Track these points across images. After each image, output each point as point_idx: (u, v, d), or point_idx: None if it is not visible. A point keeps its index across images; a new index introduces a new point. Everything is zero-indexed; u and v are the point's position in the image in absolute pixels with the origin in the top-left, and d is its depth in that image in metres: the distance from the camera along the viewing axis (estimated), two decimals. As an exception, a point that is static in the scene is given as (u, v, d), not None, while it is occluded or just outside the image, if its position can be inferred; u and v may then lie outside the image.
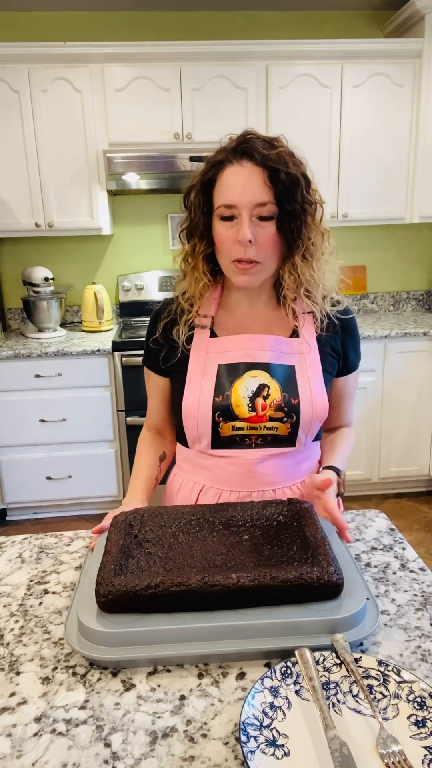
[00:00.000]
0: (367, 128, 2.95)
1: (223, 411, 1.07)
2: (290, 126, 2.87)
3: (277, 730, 0.65)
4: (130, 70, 2.78)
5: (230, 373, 1.08)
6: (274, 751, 0.62)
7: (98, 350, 2.78)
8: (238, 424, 1.07)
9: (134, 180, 2.88)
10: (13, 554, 1.05)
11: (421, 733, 0.64)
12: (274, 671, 0.71)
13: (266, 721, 0.65)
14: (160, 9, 3.06)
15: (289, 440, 1.10)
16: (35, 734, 0.67)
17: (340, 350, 1.14)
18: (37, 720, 0.69)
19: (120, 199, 3.27)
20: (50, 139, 2.83)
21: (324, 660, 0.73)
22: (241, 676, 0.74)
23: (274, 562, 0.86)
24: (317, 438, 1.19)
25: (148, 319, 1.20)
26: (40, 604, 0.90)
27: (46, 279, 3.05)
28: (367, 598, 0.82)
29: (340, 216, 3.04)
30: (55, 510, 3.05)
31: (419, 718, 0.66)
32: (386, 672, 0.71)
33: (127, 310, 3.33)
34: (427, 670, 0.74)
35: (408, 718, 0.66)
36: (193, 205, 1.04)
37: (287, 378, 1.08)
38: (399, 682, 0.70)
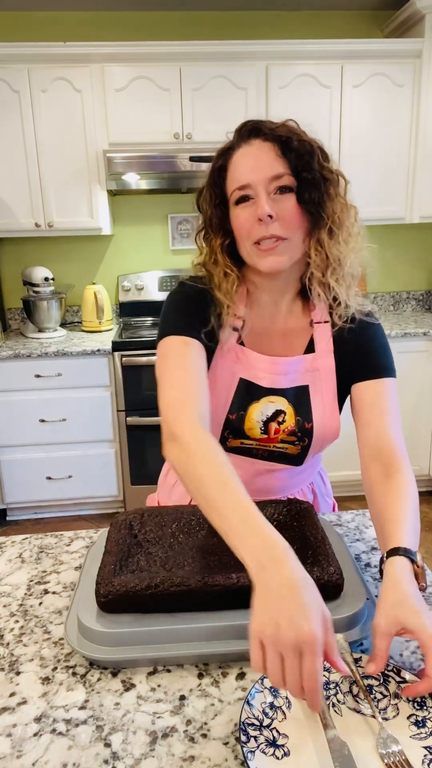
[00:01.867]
0: (367, 128, 2.95)
1: (233, 430, 1.03)
2: (290, 126, 2.87)
3: (277, 730, 0.65)
4: (130, 70, 2.78)
5: (249, 392, 1.02)
6: (274, 751, 0.62)
7: (98, 350, 2.78)
8: (247, 441, 1.05)
9: (134, 180, 2.88)
10: (13, 554, 1.05)
11: (421, 733, 0.64)
12: None
13: (266, 721, 0.65)
14: (160, 9, 3.06)
15: (296, 459, 1.08)
16: (35, 734, 0.67)
17: (361, 355, 1.02)
18: (37, 720, 0.69)
19: (120, 199, 3.27)
20: (50, 139, 2.83)
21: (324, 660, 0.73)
22: (241, 676, 0.74)
23: (274, 562, 0.85)
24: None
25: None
26: (40, 604, 0.90)
27: (46, 279, 3.05)
28: (367, 598, 0.82)
29: (340, 216, 3.03)
30: (55, 510, 3.05)
31: (419, 718, 0.66)
32: (386, 672, 0.71)
33: (127, 310, 3.33)
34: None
35: (408, 718, 0.66)
36: (206, 200, 0.99)
37: (301, 400, 1.03)
38: (399, 682, 0.70)
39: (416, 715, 0.66)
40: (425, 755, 0.61)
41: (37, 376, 2.80)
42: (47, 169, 2.87)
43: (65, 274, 3.33)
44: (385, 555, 0.76)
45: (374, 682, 0.71)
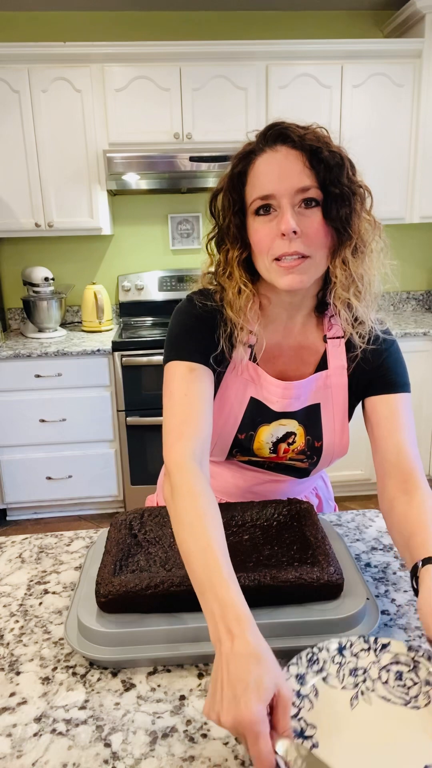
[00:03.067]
0: (367, 128, 2.95)
1: (242, 449, 1.02)
2: (290, 126, 2.88)
3: (305, 721, 0.62)
4: (130, 70, 2.78)
5: (259, 413, 0.99)
6: (303, 743, 0.59)
7: (98, 350, 2.78)
8: (255, 458, 1.05)
9: (134, 180, 2.88)
10: (13, 554, 1.05)
11: None
12: (300, 658, 0.67)
13: (293, 711, 0.61)
14: (160, 9, 3.06)
15: (303, 472, 1.08)
16: (35, 734, 0.67)
17: (376, 370, 1.00)
18: (37, 720, 0.69)
19: (120, 199, 3.27)
20: (50, 139, 2.83)
21: (351, 645, 0.69)
22: (241, 676, 0.74)
23: (274, 562, 0.86)
24: None
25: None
26: (40, 604, 0.90)
27: (46, 279, 3.05)
28: (367, 598, 0.82)
29: (340, 216, 3.03)
30: (55, 510, 3.05)
31: None
32: (417, 658, 0.68)
33: (127, 310, 3.33)
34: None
35: None
36: (222, 206, 0.91)
37: (312, 418, 1.00)
38: (431, 669, 0.66)
39: None
40: None
41: (37, 376, 2.80)
42: (47, 169, 2.87)
43: (65, 274, 3.33)
44: (420, 563, 0.74)
45: (404, 669, 0.67)
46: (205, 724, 0.67)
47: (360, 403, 1.03)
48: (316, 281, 0.93)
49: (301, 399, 0.99)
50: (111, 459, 2.93)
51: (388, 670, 0.67)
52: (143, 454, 2.87)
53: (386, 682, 0.67)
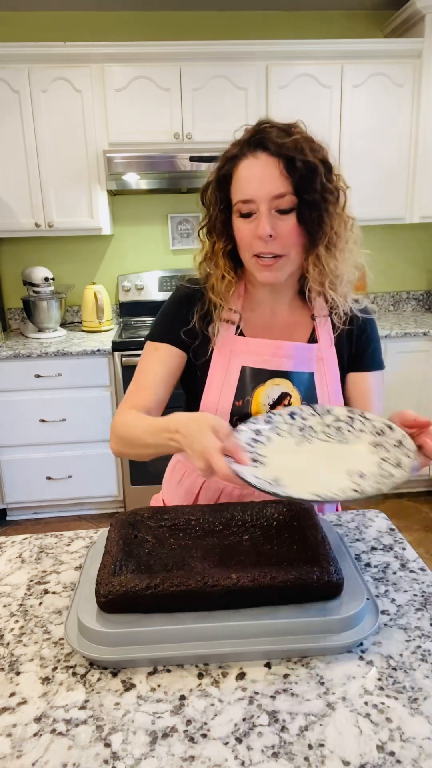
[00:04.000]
0: (367, 128, 2.95)
1: (241, 416, 1.05)
2: (290, 126, 2.87)
3: (258, 453, 0.83)
4: (130, 70, 2.78)
5: (253, 377, 1.06)
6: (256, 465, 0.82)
7: (98, 350, 2.78)
8: None
9: (134, 180, 2.88)
10: (13, 554, 1.05)
11: (379, 451, 0.85)
12: (257, 419, 0.93)
13: (249, 450, 0.82)
14: (160, 9, 3.06)
15: None
16: (35, 734, 0.67)
17: (356, 349, 1.11)
18: (37, 720, 0.69)
19: (120, 199, 3.26)
20: (50, 139, 2.83)
21: (302, 411, 0.92)
22: (241, 676, 0.74)
23: (274, 562, 0.86)
24: None
25: (151, 318, 1.18)
26: (40, 604, 0.90)
27: (46, 279, 3.05)
28: (367, 598, 0.82)
29: (340, 216, 3.03)
30: (55, 510, 3.05)
31: (377, 442, 0.86)
32: (352, 415, 0.90)
33: (127, 310, 3.33)
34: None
35: (369, 443, 0.85)
36: (210, 202, 1.01)
37: (307, 386, 1.06)
38: (363, 420, 0.89)
39: (375, 441, 0.87)
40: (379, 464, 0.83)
41: (37, 376, 2.80)
42: (47, 169, 2.87)
43: (65, 274, 3.33)
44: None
45: (342, 424, 0.91)
46: (205, 724, 0.67)
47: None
48: (295, 271, 1.04)
49: (293, 361, 1.06)
50: (111, 459, 2.93)
51: (329, 426, 0.90)
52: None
53: (327, 432, 0.90)
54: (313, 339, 1.09)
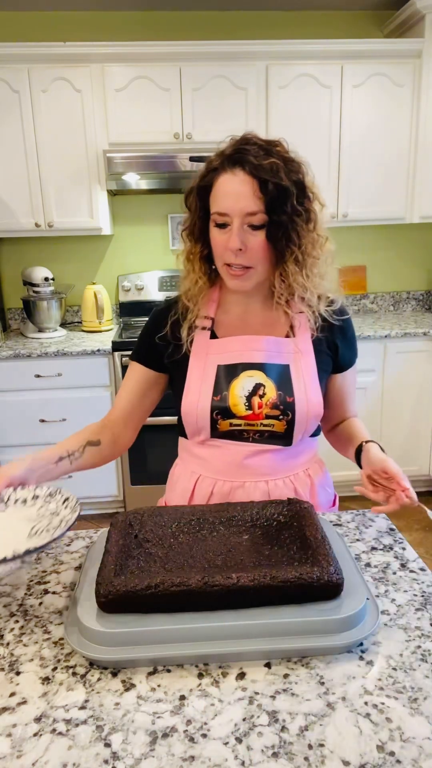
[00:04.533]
0: (367, 128, 2.95)
1: (221, 410, 1.10)
2: (290, 126, 2.87)
3: None
4: (130, 70, 2.78)
5: (228, 373, 1.11)
6: None
7: (98, 350, 2.78)
8: (235, 421, 1.11)
9: (134, 180, 2.88)
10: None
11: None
12: None
13: None
14: (160, 9, 3.06)
15: (284, 437, 1.12)
16: (35, 734, 0.67)
17: (334, 349, 1.17)
18: (37, 720, 0.69)
19: (120, 199, 3.26)
20: (50, 139, 2.83)
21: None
22: (241, 676, 0.75)
23: (274, 562, 0.86)
24: (316, 434, 1.21)
25: (147, 317, 1.22)
26: (40, 604, 0.90)
27: (46, 279, 3.05)
28: (367, 598, 0.82)
29: (340, 216, 3.04)
30: (55, 510, 3.05)
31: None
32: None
33: (127, 310, 3.33)
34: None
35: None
36: (191, 207, 1.08)
37: (282, 377, 1.11)
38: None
39: None
40: None
41: (37, 376, 2.80)
42: (47, 169, 2.86)
43: (65, 274, 3.33)
44: (364, 443, 1.11)
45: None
46: (205, 724, 0.67)
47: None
48: (266, 278, 1.10)
49: (265, 353, 1.11)
50: (111, 459, 2.92)
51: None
52: (143, 454, 2.87)
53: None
54: (290, 335, 1.14)
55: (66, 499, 0.95)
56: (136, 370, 1.20)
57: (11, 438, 2.87)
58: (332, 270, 1.11)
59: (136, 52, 2.76)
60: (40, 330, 3.09)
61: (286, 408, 1.10)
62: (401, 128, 2.97)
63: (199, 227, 1.08)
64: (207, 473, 1.16)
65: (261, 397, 1.10)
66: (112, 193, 3.10)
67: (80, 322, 3.29)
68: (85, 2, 2.96)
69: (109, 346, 2.79)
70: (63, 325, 3.29)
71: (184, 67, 2.79)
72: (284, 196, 0.99)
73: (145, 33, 3.08)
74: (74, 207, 2.92)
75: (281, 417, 1.10)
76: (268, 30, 3.14)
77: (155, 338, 1.16)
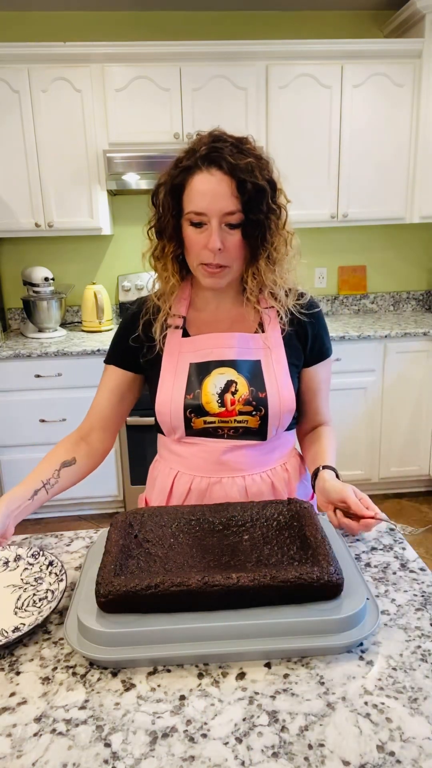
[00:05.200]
0: (367, 128, 2.95)
1: (194, 408, 1.11)
2: (290, 126, 2.88)
3: None
4: (130, 70, 2.78)
5: (200, 371, 1.12)
6: None
7: (98, 350, 2.78)
8: (209, 418, 1.11)
9: (134, 180, 2.88)
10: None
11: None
12: None
13: None
14: (160, 9, 3.06)
15: (259, 433, 1.13)
16: (35, 734, 0.67)
17: (304, 341, 1.17)
18: (37, 720, 0.69)
19: (120, 199, 3.26)
20: (50, 139, 2.83)
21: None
22: (241, 676, 0.74)
23: (274, 562, 0.86)
24: (291, 427, 1.21)
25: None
26: (40, 604, 0.90)
27: (46, 279, 3.05)
28: (367, 598, 0.82)
29: (340, 216, 3.04)
30: (55, 510, 3.05)
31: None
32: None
33: (127, 310, 3.32)
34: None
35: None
36: (163, 205, 1.06)
37: (254, 373, 1.11)
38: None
39: None
40: None
41: (37, 376, 2.80)
42: (47, 169, 2.86)
43: (65, 274, 3.33)
44: (320, 468, 1.10)
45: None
46: (205, 724, 0.67)
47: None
48: (237, 276, 1.11)
49: (236, 350, 1.12)
50: (111, 459, 2.93)
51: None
52: (143, 454, 2.87)
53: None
54: (260, 329, 1.15)
55: (50, 563, 0.95)
56: (112, 373, 1.21)
57: (11, 438, 2.87)
58: (299, 265, 1.12)
59: (136, 52, 2.76)
60: (40, 330, 3.09)
61: (258, 403, 1.10)
62: (401, 128, 2.97)
63: (172, 226, 1.06)
64: (184, 470, 1.17)
65: (233, 393, 1.10)
66: (112, 193, 3.10)
67: (80, 322, 3.29)
68: (85, 2, 2.96)
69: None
70: (63, 325, 3.29)
71: (184, 67, 2.79)
72: (261, 195, 1.00)
73: (145, 33, 3.08)
74: (74, 207, 2.92)
75: (254, 413, 1.11)
76: (268, 30, 3.14)
77: (129, 340, 1.17)
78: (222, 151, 0.99)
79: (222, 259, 1.03)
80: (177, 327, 1.15)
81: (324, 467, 1.10)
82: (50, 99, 2.79)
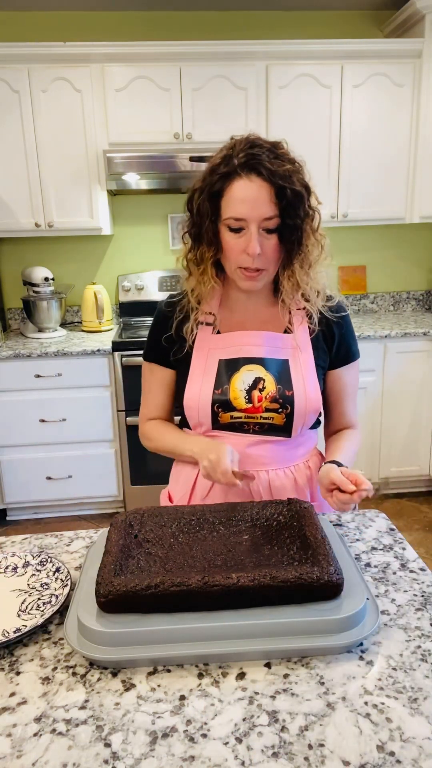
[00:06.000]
0: (367, 128, 2.95)
1: (222, 403, 1.14)
2: (290, 126, 2.87)
3: None
4: (130, 70, 2.78)
5: (229, 368, 1.15)
6: None
7: (98, 350, 2.78)
8: (236, 414, 1.15)
9: (134, 180, 2.88)
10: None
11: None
12: None
13: None
14: (160, 9, 3.06)
15: (284, 430, 1.16)
16: (35, 734, 0.67)
17: (330, 344, 1.19)
18: (37, 720, 0.69)
19: (120, 199, 3.26)
20: (50, 139, 2.83)
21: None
22: (241, 676, 0.75)
23: (274, 562, 0.86)
24: (315, 426, 1.24)
25: (151, 318, 1.24)
26: (40, 604, 0.90)
27: (46, 279, 3.05)
28: (367, 598, 0.82)
29: (340, 216, 3.03)
30: (55, 510, 3.05)
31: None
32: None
33: (127, 310, 3.33)
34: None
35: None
36: (200, 211, 1.08)
37: (281, 371, 1.14)
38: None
39: None
40: None
41: (37, 376, 2.80)
42: (47, 169, 2.86)
43: (65, 274, 3.33)
44: (323, 464, 1.11)
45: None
46: (205, 724, 0.67)
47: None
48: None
49: (265, 348, 1.15)
50: (111, 459, 2.93)
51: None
52: (143, 454, 2.87)
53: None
54: (289, 331, 1.18)
55: (57, 570, 0.95)
56: (156, 369, 1.24)
57: (11, 438, 2.87)
58: (330, 267, 1.15)
59: (136, 52, 2.76)
60: (40, 330, 3.09)
61: (285, 401, 1.13)
62: (401, 128, 2.97)
63: (211, 231, 1.08)
64: None
65: (261, 390, 1.13)
66: (112, 193, 3.10)
67: (80, 322, 3.29)
68: (85, 2, 2.96)
69: (109, 346, 2.79)
70: (63, 325, 3.29)
71: (184, 67, 2.79)
72: (298, 201, 1.03)
73: (145, 33, 3.08)
74: (74, 207, 2.92)
75: (280, 410, 1.13)
76: (268, 30, 3.14)
77: (162, 340, 1.20)
78: (260, 158, 1.01)
79: (260, 263, 1.06)
80: (208, 324, 1.18)
81: (328, 462, 1.11)
82: (50, 99, 2.79)
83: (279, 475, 1.17)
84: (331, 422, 1.27)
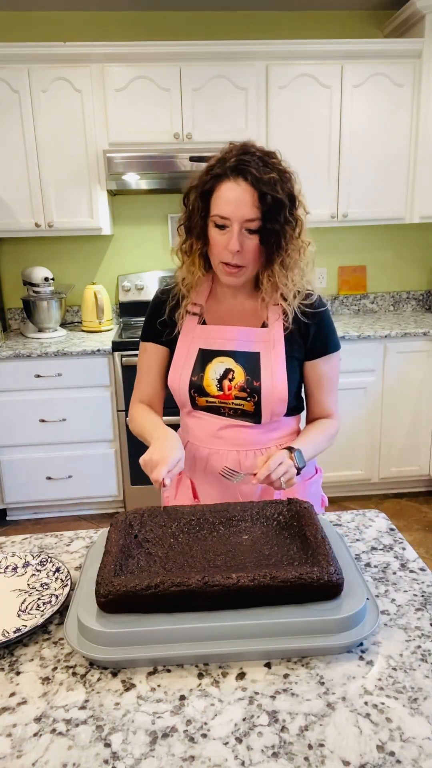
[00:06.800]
0: (367, 128, 2.95)
1: (197, 388, 1.25)
2: (290, 126, 2.87)
3: None
4: (130, 70, 2.78)
5: (205, 357, 1.26)
6: None
7: (98, 350, 2.78)
8: (210, 398, 1.26)
9: (134, 180, 2.88)
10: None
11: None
12: None
13: None
14: (160, 9, 3.06)
15: (254, 416, 1.25)
16: (35, 734, 0.67)
17: (305, 337, 1.26)
18: (37, 720, 0.69)
19: (120, 199, 3.26)
20: (50, 139, 2.83)
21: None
22: (241, 676, 0.75)
23: (274, 562, 0.86)
24: (294, 413, 1.32)
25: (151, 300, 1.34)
26: (40, 604, 0.90)
27: (46, 279, 3.05)
28: (367, 598, 0.82)
29: (339, 216, 3.03)
30: (55, 510, 3.05)
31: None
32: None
33: (127, 310, 3.33)
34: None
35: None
36: (193, 207, 1.17)
37: (252, 363, 1.23)
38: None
39: None
40: None
41: (37, 376, 2.80)
42: (47, 169, 2.86)
43: (65, 274, 3.33)
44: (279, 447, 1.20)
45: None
46: (205, 724, 0.67)
47: (299, 364, 1.28)
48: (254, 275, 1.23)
49: (237, 342, 1.24)
50: (111, 459, 2.93)
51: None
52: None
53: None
54: (265, 326, 1.25)
55: (57, 570, 0.96)
56: (152, 348, 1.32)
57: (11, 438, 2.87)
58: (311, 270, 1.23)
59: (136, 52, 2.76)
60: (40, 330, 3.09)
61: (252, 391, 1.23)
62: (401, 128, 2.97)
63: (201, 226, 1.17)
64: (191, 440, 1.31)
65: (230, 380, 1.24)
66: (112, 193, 3.10)
67: (80, 322, 3.29)
68: (85, 2, 2.96)
69: (109, 346, 2.79)
70: (63, 325, 3.29)
71: (184, 67, 2.79)
72: (279, 208, 1.11)
73: (145, 33, 3.08)
74: (74, 207, 2.92)
75: (249, 398, 1.24)
76: (268, 30, 3.14)
77: (156, 323, 1.30)
78: (249, 164, 1.10)
79: (239, 260, 1.15)
80: (195, 314, 1.28)
81: (285, 447, 1.18)
82: (50, 99, 2.79)
83: (248, 456, 1.25)
84: (309, 411, 1.35)
